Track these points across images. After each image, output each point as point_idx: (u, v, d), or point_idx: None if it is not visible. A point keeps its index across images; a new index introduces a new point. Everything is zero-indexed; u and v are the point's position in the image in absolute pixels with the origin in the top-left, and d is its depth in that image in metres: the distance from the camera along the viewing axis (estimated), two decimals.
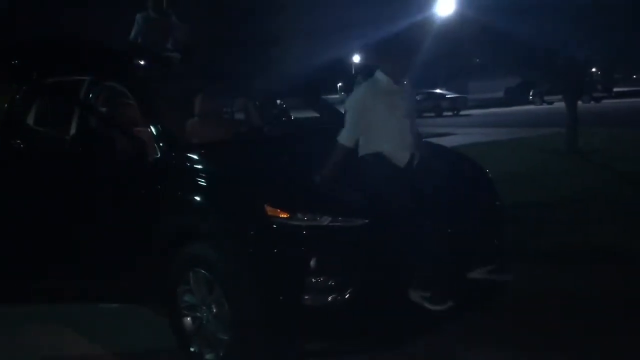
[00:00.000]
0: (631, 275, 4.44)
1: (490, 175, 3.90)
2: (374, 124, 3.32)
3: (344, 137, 3.33)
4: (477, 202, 3.53)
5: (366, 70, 6.04)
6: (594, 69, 29.43)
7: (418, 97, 33.40)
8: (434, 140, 5.52)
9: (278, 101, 6.12)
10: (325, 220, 2.92)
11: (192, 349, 3.27)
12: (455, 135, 17.17)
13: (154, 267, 3.45)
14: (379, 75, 3.44)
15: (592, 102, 30.61)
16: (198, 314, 3.25)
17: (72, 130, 3.98)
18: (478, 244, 3.37)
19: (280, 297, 2.93)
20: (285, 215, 2.92)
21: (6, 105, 4.26)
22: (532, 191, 7.50)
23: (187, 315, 3.30)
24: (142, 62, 4.49)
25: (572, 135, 11.46)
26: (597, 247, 5.19)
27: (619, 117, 20.08)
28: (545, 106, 32.32)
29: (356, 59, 28.87)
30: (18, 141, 4.12)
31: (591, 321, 3.68)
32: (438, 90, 35.21)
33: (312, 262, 2.87)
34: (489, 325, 3.61)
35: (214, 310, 3.14)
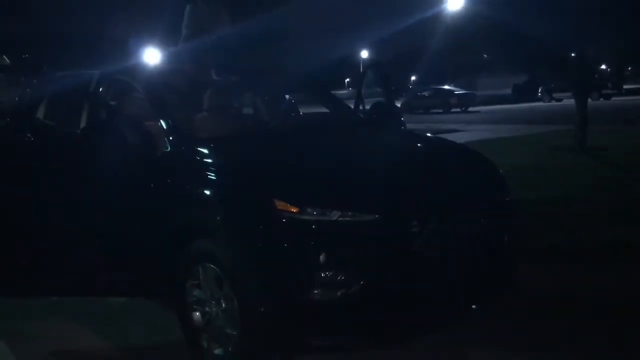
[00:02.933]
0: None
1: (501, 171, 3.88)
2: None
3: None
4: (488, 198, 3.50)
5: (375, 67, 6.02)
6: (603, 66, 29.28)
7: (426, 93, 33.58)
8: (443, 136, 5.49)
9: (287, 96, 6.10)
10: (335, 215, 2.90)
11: (200, 344, 3.27)
12: (464, 131, 17.12)
13: (162, 261, 3.45)
14: None
15: (602, 99, 30.43)
16: (207, 309, 3.25)
17: (82, 124, 3.99)
18: (488, 239, 3.35)
19: (289, 292, 2.92)
20: (294, 210, 2.91)
21: (17, 98, 4.29)
22: (542, 188, 7.46)
23: (196, 310, 3.30)
24: None
25: (582, 132, 11.39)
26: (606, 244, 5.16)
27: (628, 114, 19.94)
28: (553, 103, 32.19)
29: (364, 54, 28.85)
30: (28, 134, 4.13)
31: (598, 320, 3.66)
32: (446, 87, 35.16)
33: (322, 257, 2.85)
34: (495, 324, 3.59)
35: (223, 305, 3.14)
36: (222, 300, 3.14)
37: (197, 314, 3.30)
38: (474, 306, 3.30)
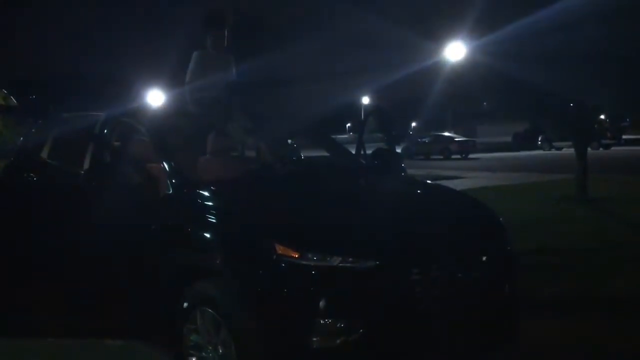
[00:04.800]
0: None
1: (501, 219, 3.88)
2: None
3: None
4: (488, 247, 3.49)
5: (377, 112, 6.09)
6: (602, 116, 29.56)
7: (427, 140, 33.86)
8: (443, 182, 5.51)
9: (289, 140, 6.16)
10: (336, 261, 2.89)
11: None
12: (464, 178, 17.16)
13: (160, 305, 3.42)
14: None
15: (601, 149, 30.64)
16: (204, 354, 3.20)
17: (86, 165, 4.02)
18: (489, 289, 3.32)
19: (288, 339, 2.88)
20: (295, 255, 2.90)
21: (21, 138, 4.33)
22: (542, 238, 7.43)
23: (193, 355, 3.25)
24: None
25: (582, 181, 11.41)
26: (607, 296, 5.11)
27: (628, 164, 20.03)
28: (553, 152, 32.38)
29: (365, 100, 29.22)
30: (31, 174, 4.15)
31: None
32: (447, 134, 35.48)
33: (321, 303, 2.83)
34: None
35: (220, 351, 3.09)
36: (219, 346, 3.10)
37: (194, 359, 3.25)
38: (474, 356, 3.25)
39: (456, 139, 33.66)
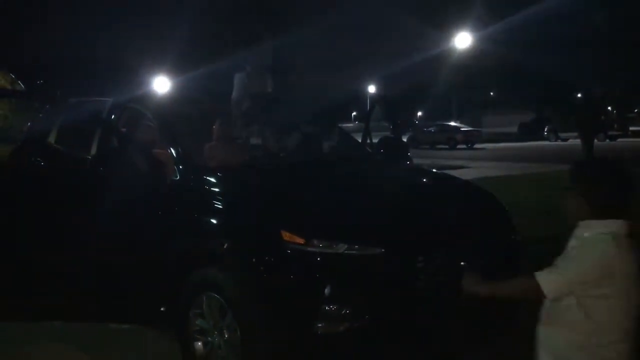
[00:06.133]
0: None
1: (507, 208, 3.88)
2: None
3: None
4: (494, 236, 3.50)
5: (383, 101, 6.09)
6: (609, 107, 29.43)
7: (432, 129, 33.77)
8: (449, 172, 5.50)
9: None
10: (341, 248, 2.91)
11: None
12: (470, 168, 17.12)
13: (166, 289, 3.45)
14: None
15: (608, 140, 30.47)
16: (209, 339, 3.23)
17: (93, 150, 4.04)
18: (494, 276, 3.33)
19: (293, 324, 2.91)
20: (301, 241, 2.91)
21: (29, 123, 4.34)
22: (548, 227, 7.41)
23: (199, 340, 3.28)
24: None
25: None
26: None
27: (635, 156, 19.96)
28: (559, 142, 32.23)
29: (372, 89, 29.11)
30: (39, 159, 4.17)
31: None
32: (452, 123, 35.34)
33: (327, 290, 2.85)
34: None
35: (226, 336, 3.12)
36: (224, 330, 3.12)
37: (199, 343, 3.28)
38: (477, 343, 3.27)
39: (462, 129, 33.50)
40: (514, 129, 40.49)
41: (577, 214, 2.09)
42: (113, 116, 4.24)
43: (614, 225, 1.99)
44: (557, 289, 2.00)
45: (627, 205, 2.02)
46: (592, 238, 2.01)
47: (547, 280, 2.00)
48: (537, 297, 2.06)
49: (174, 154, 3.64)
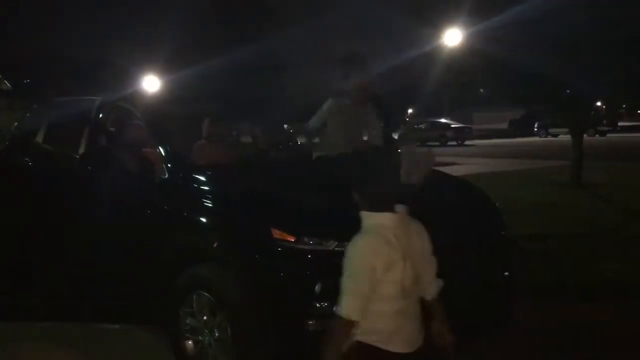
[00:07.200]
0: (636, 309, 4.40)
1: (497, 204, 3.89)
2: None
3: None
4: (483, 231, 3.51)
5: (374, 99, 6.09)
6: (599, 103, 29.59)
7: (423, 126, 33.84)
8: (440, 169, 5.51)
9: (285, 126, 6.15)
10: (331, 245, 2.91)
11: None
12: (460, 165, 17.18)
13: (157, 288, 3.43)
14: None
15: (597, 135, 30.67)
16: (200, 338, 3.22)
17: (81, 149, 4.01)
18: (483, 272, 3.34)
19: (284, 322, 2.90)
20: (291, 239, 2.91)
21: (16, 122, 4.31)
22: (537, 223, 7.45)
23: (189, 339, 3.27)
24: None
25: (577, 168, 11.44)
26: (601, 281, 5.14)
27: (624, 151, 20.08)
28: (549, 138, 32.41)
29: None
30: (27, 159, 4.14)
31: (597, 356, 3.64)
32: (443, 120, 35.45)
33: (317, 287, 2.84)
34: (492, 355, 3.56)
35: (216, 335, 3.11)
36: (215, 330, 3.12)
37: (190, 342, 3.27)
38: (468, 337, 3.27)
39: (452, 126, 33.64)
40: (504, 126, 40.69)
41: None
42: (101, 115, 4.21)
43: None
44: (354, 307, 2.02)
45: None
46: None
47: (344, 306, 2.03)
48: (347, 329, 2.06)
49: (163, 153, 3.62)
